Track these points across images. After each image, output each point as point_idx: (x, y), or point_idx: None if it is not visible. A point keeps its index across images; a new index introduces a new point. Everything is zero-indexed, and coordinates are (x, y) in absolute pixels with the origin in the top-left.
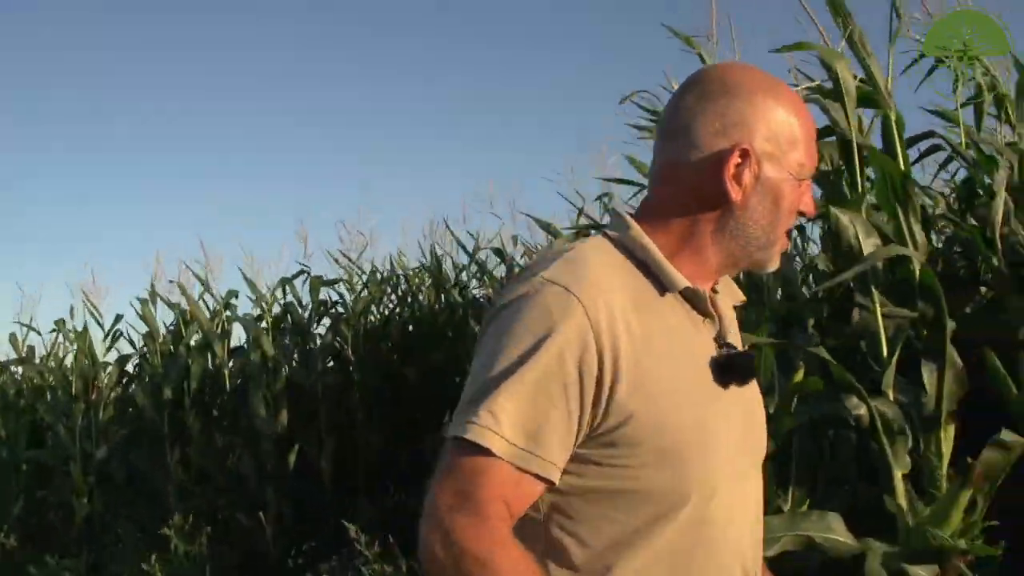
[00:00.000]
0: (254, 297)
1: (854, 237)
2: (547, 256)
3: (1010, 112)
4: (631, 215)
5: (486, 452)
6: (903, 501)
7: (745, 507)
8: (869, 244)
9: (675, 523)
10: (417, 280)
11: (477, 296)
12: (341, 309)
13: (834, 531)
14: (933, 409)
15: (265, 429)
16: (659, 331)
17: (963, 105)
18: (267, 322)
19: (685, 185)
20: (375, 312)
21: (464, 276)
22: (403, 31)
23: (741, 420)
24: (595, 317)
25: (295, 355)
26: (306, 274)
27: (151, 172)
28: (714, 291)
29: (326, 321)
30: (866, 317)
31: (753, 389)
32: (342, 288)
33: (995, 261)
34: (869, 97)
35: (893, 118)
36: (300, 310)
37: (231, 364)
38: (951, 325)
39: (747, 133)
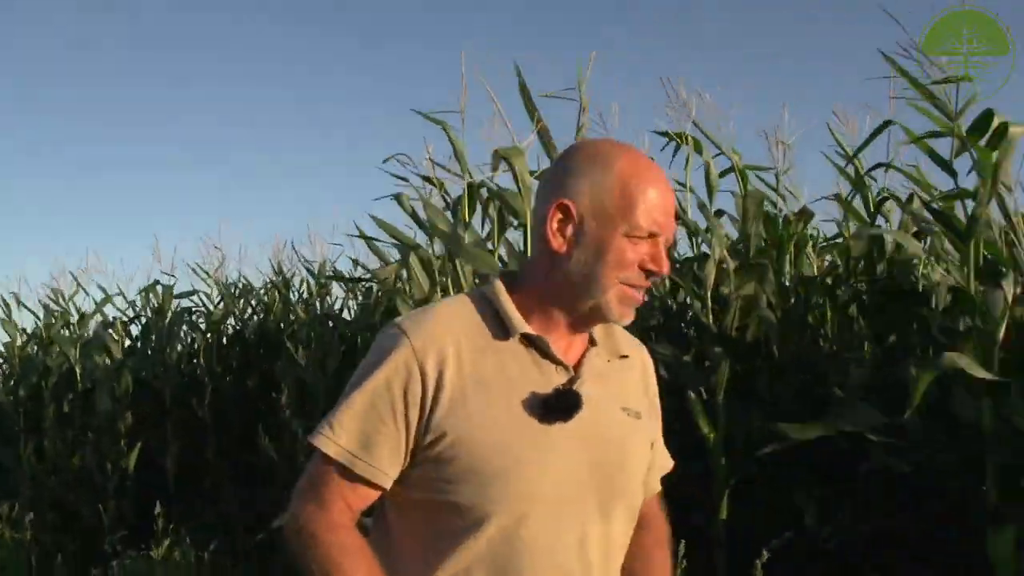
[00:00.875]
0: (124, 304)
1: None
2: (414, 310)
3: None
4: (509, 276)
5: (326, 456)
6: None
7: (588, 543)
8: None
9: (483, 537)
10: (267, 296)
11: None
12: (198, 319)
13: None
14: None
15: (109, 427)
16: (492, 368)
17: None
18: (117, 328)
19: (536, 248)
20: (231, 323)
21: (307, 293)
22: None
23: (586, 459)
24: (422, 353)
25: (150, 360)
26: (161, 285)
27: (40, 173)
28: (592, 343)
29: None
30: None
31: (620, 432)
32: (203, 298)
33: (704, 319)
34: None
35: None
36: (156, 318)
37: (83, 365)
38: None
39: (568, 192)
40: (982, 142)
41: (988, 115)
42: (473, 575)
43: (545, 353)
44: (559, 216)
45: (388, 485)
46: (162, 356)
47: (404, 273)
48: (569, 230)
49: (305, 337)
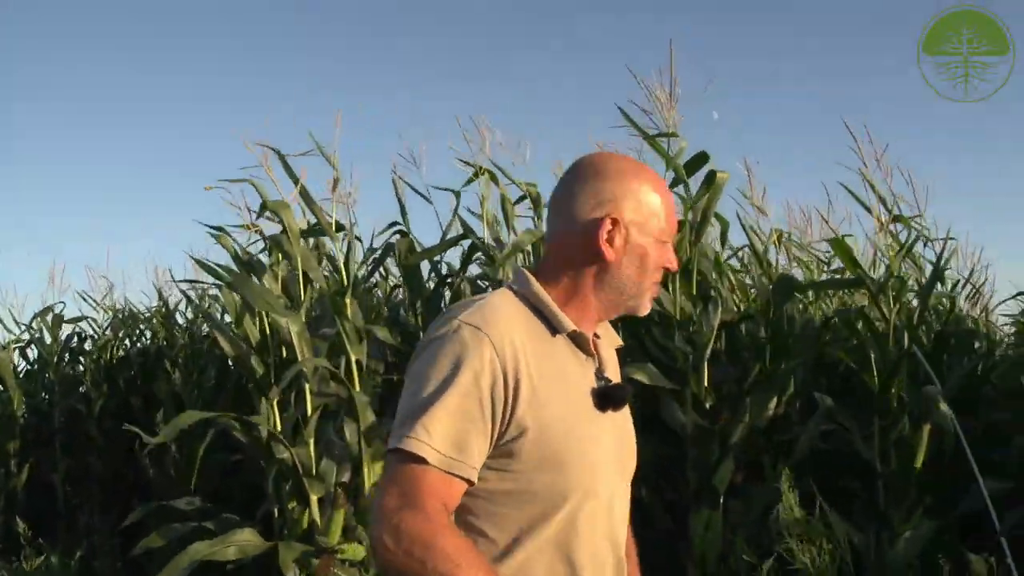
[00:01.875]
0: (18, 330)
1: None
2: (463, 303)
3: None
4: (531, 272)
5: (422, 460)
6: (316, 516)
7: (615, 509)
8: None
9: (557, 518)
10: (153, 320)
11: (205, 334)
12: (88, 344)
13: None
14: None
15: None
16: (550, 365)
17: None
18: (9, 351)
19: (571, 249)
20: (122, 346)
21: (190, 316)
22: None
23: (613, 442)
24: (501, 351)
25: (42, 384)
26: (51, 312)
27: None
28: (596, 336)
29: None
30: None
31: (626, 419)
32: (91, 324)
33: None
34: (319, 232)
35: (344, 248)
36: (48, 343)
37: None
38: None
39: (616, 207)
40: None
41: (702, 156)
42: (544, 555)
43: (582, 347)
44: (609, 227)
45: (476, 481)
46: (53, 379)
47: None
48: (618, 241)
49: (183, 358)
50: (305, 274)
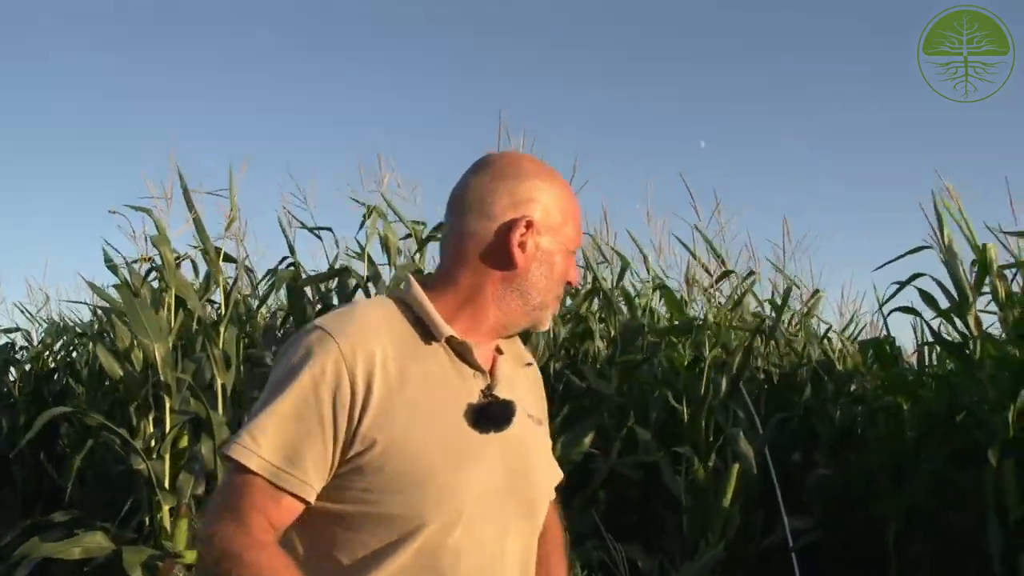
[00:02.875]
0: None
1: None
2: (333, 311)
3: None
4: (420, 280)
5: (247, 470)
6: (167, 524)
7: (507, 548)
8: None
9: (413, 546)
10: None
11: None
12: (20, 355)
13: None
14: None
15: None
16: (418, 374)
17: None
18: None
19: (475, 251)
20: (55, 358)
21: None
22: None
23: (502, 468)
24: (350, 357)
25: None
26: None
27: None
28: (498, 351)
29: None
30: None
31: (533, 446)
32: (25, 336)
33: None
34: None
35: (221, 280)
36: None
37: None
38: None
39: (531, 208)
40: None
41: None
42: None
43: (465, 358)
44: (523, 230)
45: (313, 499)
46: None
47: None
48: (530, 245)
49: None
50: (183, 301)
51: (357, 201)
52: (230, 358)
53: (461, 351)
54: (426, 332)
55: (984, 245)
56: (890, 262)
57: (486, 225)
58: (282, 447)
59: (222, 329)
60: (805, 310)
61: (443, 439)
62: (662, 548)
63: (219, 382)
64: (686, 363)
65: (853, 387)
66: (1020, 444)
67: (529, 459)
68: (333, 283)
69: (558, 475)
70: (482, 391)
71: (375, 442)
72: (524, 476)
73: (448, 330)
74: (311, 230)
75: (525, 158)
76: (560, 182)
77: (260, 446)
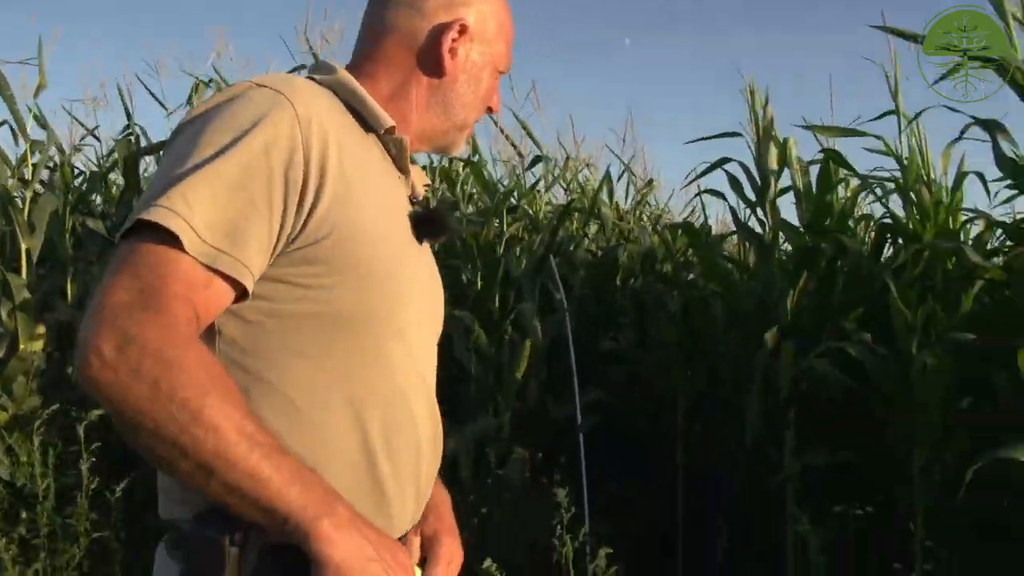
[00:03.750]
0: None
1: None
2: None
3: None
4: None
5: (173, 241)
6: None
7: (425, 372)
8: None
9: (358, 349)
10: None
11: None
12: None
13: None
14: None
15: None
16: (367, 162)
17: None
18: None
19: (401, 50)
20: None
21: None
22: None
23: (428, 282)
24: (306, 123)
25: None
26: None
27: None
28: (412, 160)
29: None
30: None
31: (435, 267)
32: None
33: None
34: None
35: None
36: None
37: None
38: None
39: (466, 12)
40: None
41: None
42: (346, 383)
43: (396, 159)
44: (455, 35)
45: (251, 288)
46: None
47: None
48: (461, 53)
49: None
50: None
51: (189, 74)
52: (35, 225)
53: (398, 148)
54: (363, 121)
55: (786, 140)
56: (700, 139)
57: (416, 23)
58: (222, 220)
59: (27, 194)
60: (639, 198)
61: (393, 239)
62: (456, 417)
63: (23, 246)
64: (488, 239)
65: (662, 267)
66: (798, 328)
67: (437, 282)
68: None
69: None
70: (409, 197)
71: (333, 229)
72: (437, 297)
73: (389, 120)
74: (154, 96)
75: None
76: None
77: (194, 213)
